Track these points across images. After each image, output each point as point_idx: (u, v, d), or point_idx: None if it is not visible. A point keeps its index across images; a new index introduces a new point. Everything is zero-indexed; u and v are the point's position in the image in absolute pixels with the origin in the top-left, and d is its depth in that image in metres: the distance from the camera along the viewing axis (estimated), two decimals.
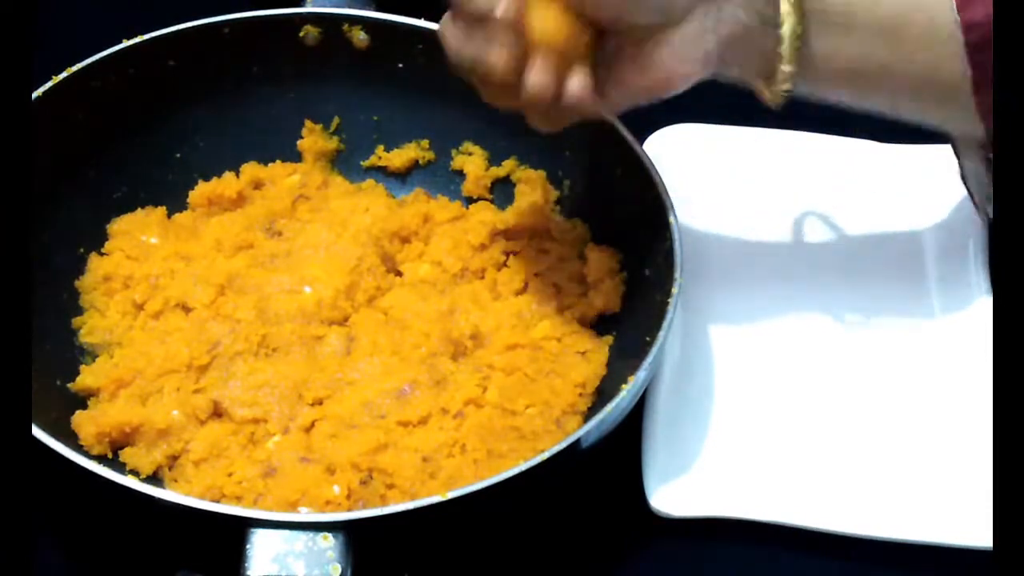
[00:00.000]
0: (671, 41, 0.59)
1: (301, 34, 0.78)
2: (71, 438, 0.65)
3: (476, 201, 0.80)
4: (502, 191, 0.80)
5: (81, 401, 0.68)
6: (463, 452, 0.66)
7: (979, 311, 0.76)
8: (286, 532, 0.56)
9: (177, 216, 0.77)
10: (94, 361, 0.70)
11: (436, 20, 0.76)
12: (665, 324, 0.65)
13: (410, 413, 0.67)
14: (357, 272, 0.73)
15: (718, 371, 0.75)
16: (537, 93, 0.59)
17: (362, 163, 0.81)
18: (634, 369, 0.64)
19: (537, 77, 0.58)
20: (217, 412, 0.67)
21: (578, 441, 0.61)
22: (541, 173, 0.78)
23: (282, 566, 0.55)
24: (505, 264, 0.75)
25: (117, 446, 0.66)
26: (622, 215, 0.74)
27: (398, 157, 0.81)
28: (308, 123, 0.80)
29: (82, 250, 0.74)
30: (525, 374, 0.69)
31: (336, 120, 0.81)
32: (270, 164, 0.79)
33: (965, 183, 0.70)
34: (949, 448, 0.71)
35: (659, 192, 0.70)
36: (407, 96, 0.80)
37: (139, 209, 0.76)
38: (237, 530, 0.56)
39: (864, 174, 0.84)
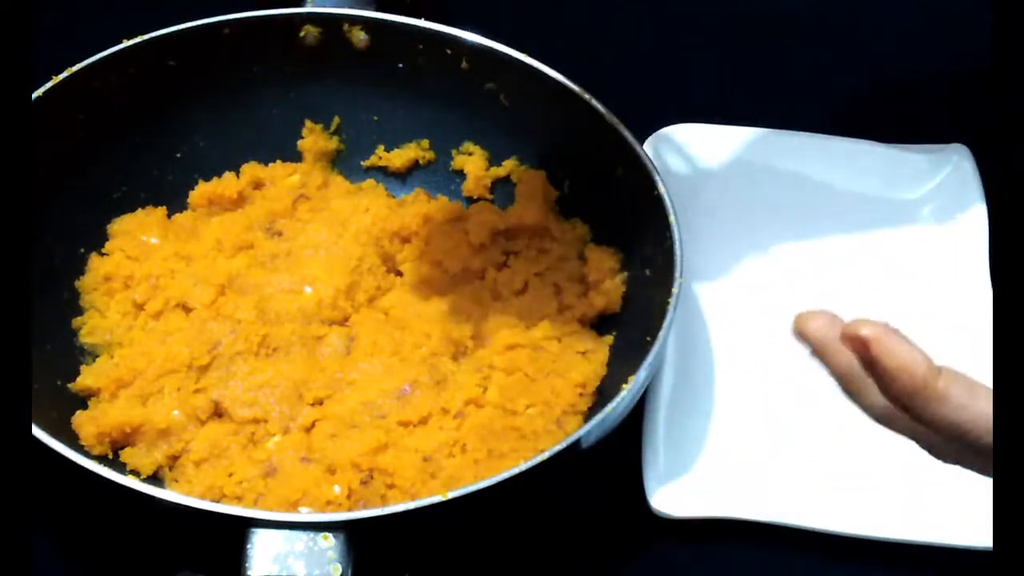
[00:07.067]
0: None
1: (301, 34, 0.78)
2: (71, 438, 0.65)
3: (476, 201, 0.79)
4: (502, 191, 0.80)
5: (81, 401, 0.68)
6: (463, 452, 0.66)
7: (980, 311, 0.75)
8: (286, 532, 0.56)
9: (177, 216, 0.77)
10: (94, 361, 0.70)
11: (436, 20, 0.77)
12: (665, 324, 0.65)
13: (410, 413, 0.67)
14: (357, 272, 0.73)
15: (718, 371, 0.75)
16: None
17: (362, 163, 0.81)
18: (634, 369, 0.64)
19: None
20: (217, 412, 0.68)
21: (578, 441, 0.61)
22: (541, 173, 0.78)
23: (282, 566, 0.55)
24: (505, 264, 0.75)
25: (117, 446, 0.66)
26: (622, 215, 0.74)
27: (398, 157, 0.81)
28: (308, 123, 0.80)
29: (82, 250, 0.74)
30: (525, 374, 0.69)
31: (336, 120, 0.81)
32: (270, 164, 0.79)
33: None
34: None
35: (659, 192, 0.70)
36: (407, 96, 0.80)
37: (139, 209, 0.76)
38: (238, 530, 0.56)
39: (864, 174, 0.84)
